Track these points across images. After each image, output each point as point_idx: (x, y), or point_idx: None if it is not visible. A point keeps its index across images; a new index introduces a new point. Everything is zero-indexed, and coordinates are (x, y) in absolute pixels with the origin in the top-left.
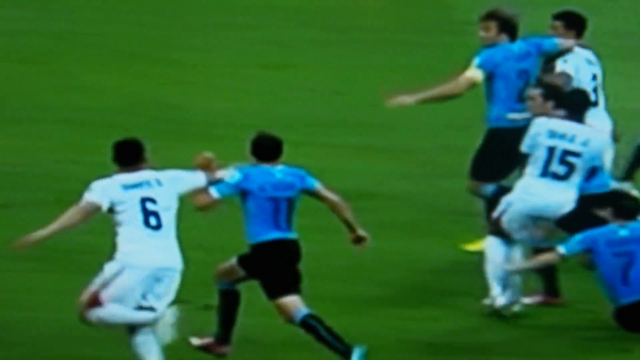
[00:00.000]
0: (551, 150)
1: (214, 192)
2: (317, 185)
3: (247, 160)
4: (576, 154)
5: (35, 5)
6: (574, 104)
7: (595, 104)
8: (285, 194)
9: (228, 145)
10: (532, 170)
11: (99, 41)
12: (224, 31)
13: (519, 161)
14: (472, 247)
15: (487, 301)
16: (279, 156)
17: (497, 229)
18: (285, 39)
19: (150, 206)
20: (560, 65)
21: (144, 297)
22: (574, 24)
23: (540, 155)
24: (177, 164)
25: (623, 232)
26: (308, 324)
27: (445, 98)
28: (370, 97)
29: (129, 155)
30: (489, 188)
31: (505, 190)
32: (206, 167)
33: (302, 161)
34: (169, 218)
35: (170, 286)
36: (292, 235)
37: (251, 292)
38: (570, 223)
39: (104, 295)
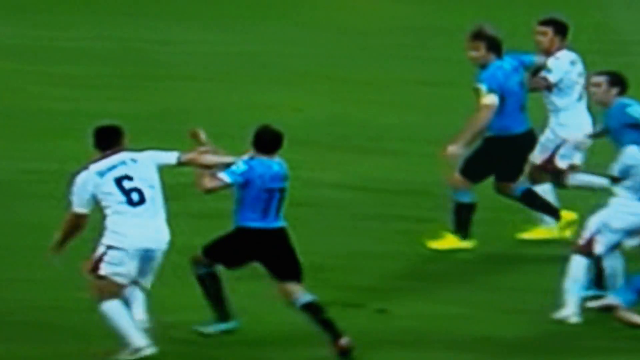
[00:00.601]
0: None
1: (225, 177)
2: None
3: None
4: None
5: (220, 28)
6: None
7: (580, 98)
8: (280, 184)
9: (402, 157)
10: (626, 190)
11: (281, 61)
12: (394, 50)
13: (524, 162)
14: (437, 245)
15: (559, 315)
16: (278, 149)
17: (587, 250)
18: (447, 57)
19: (127, 184)
20: (546, 74)
21: (139, 274)
22: (561, 29)
23: (635, 178)
24: (367, 177)
25: None
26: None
27: (479, 132)
28: (531, 114)
29: (107, 139)
30: (518, 189)
31: (533, 193)
32: (195, 136)
33: None
34: (151, 192)
35: (157, 263)
36: (279, 223)
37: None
38: None
39: (102, 267)
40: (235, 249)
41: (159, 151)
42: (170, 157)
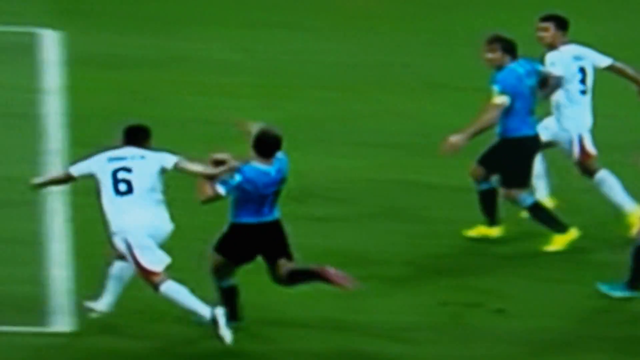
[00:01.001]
0: None
1: (220, 189)
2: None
3: None
4: None
5: (348, 39)
6: None
7: (583, 92)
8: (274, 189)
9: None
10: None
11: (406, 71)
12: None
13: (532, 167)
14: (473, 233)
15: None
16: (277, 152)
17: None
18: None
19: (122, 175)
20: (550, 68)
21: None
22: (563, 24)
23: None
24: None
25: None
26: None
27: (485, 128)
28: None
29: (133, 136)
30: (527, 199)
31: (541, 206)
32: (241, 127)
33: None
34: (142, 187)
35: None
36: (273, 217)
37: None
38: None
39: (145, 263)
40: (234, 245)
41: (168, 154)
42: (170, 162)
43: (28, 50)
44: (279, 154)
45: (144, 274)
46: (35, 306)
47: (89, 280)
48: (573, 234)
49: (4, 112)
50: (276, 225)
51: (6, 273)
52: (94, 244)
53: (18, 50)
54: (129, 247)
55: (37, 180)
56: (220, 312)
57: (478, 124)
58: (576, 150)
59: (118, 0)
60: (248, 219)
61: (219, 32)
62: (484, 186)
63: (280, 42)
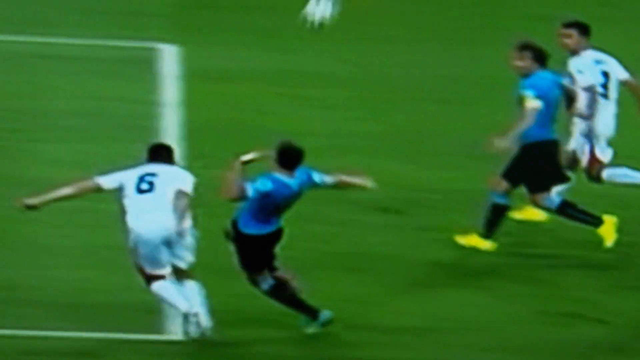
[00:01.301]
0: None
1: (249, 190)
2: (324, 179)
3: None
4: None
5: (453, 52)
6: None
7: (605, 96)
8: (290, 201)
9: None
10: None
11: (509, 85)
12: None
13: (557, 171)
14: (464, 241)
15: None
16: (299, 166)
17: None
18: None
19: (147, 177)
20: (577, 75)
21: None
22: (585, 30)
23: None
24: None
25: None
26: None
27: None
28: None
29: (156, 154)
30: (555, 200)
31: (570, 204)
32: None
33: None
34: (165, 186)
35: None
36: (276, 226)
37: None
38: None
39: (144, 265)
40: (249, 256)
41: (188, 176)
42: (187, 186)
43: (148, 65)
44: (304, 168)
45: (143, 275)
46: (154, 313)
47: (206, 288)
48: (611, 221)
49: (125, 124)
50: (279, 233)
51: (126, 281)
52: (215, 252)
53: (139, 64)
54: (136, 251)
55: (66, 191)
56: (196, 312)
57: (517, 128)
58: (585, 155)
59: (233, 15)
60: (257, 231)
61: (328, 46)
62: (500, 200)
63: (387, 56)
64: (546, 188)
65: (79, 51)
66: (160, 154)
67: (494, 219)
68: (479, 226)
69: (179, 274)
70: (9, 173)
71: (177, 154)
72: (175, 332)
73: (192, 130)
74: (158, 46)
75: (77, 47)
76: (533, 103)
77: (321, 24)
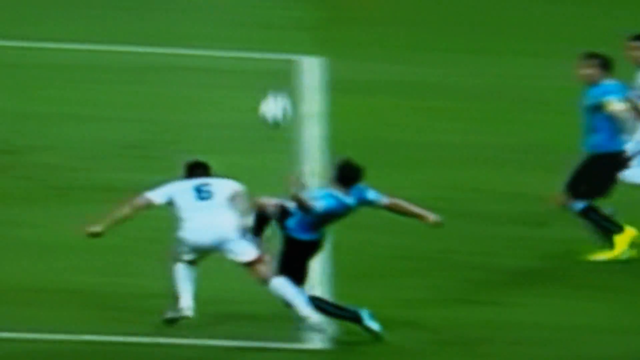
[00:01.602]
0: None
1: (314, 206)
2: (379, 198)
3: None
4: None
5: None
6: None
7: None
8: (344, 217)
9: None
10: None
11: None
12: None
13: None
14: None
15: None
16: (356, 183)
17: None
18: None
19: (203, 187)
20: None
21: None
22: None
23: None
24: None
25: None
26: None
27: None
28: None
29: (194, 171)
30: (579, 204)
31: (594, 209)
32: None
33: None
34: (223, 195)
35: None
36: (320, 235)
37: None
38: None
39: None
40: (288, 260)
41: (234, 182)
42: (241, 187)
43: (288, 77)
44: (359, 185)
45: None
46: (290, 323)
47: (343, 298)
48: (630, 232)
49: (268, 135)
50: (322, 242)
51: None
52: (349, 265)
53: (279, 77)
54: (177, 258)
55: (123, 212)
56: (185, 307)
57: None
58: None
59: (370, 29)
60: (305, 237)
61: (473, 58)
62: (580, 205)
63: (507, 67)
64: (589, 197)
65: (220, 63)
66: (199, 170)
67: (596, 220)
68: (599, 240)
69: (251, 269)
70: (155, 184)
71: (320, 163)
72: (314, 342)
73: (334, 141)
74: (298, 58)
75: (218, 60)
76: (618, 106)
77: (276, 123)
